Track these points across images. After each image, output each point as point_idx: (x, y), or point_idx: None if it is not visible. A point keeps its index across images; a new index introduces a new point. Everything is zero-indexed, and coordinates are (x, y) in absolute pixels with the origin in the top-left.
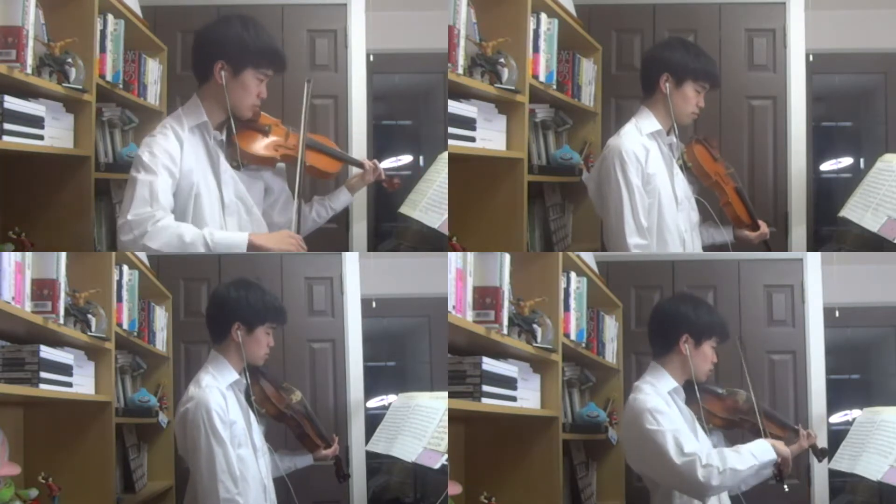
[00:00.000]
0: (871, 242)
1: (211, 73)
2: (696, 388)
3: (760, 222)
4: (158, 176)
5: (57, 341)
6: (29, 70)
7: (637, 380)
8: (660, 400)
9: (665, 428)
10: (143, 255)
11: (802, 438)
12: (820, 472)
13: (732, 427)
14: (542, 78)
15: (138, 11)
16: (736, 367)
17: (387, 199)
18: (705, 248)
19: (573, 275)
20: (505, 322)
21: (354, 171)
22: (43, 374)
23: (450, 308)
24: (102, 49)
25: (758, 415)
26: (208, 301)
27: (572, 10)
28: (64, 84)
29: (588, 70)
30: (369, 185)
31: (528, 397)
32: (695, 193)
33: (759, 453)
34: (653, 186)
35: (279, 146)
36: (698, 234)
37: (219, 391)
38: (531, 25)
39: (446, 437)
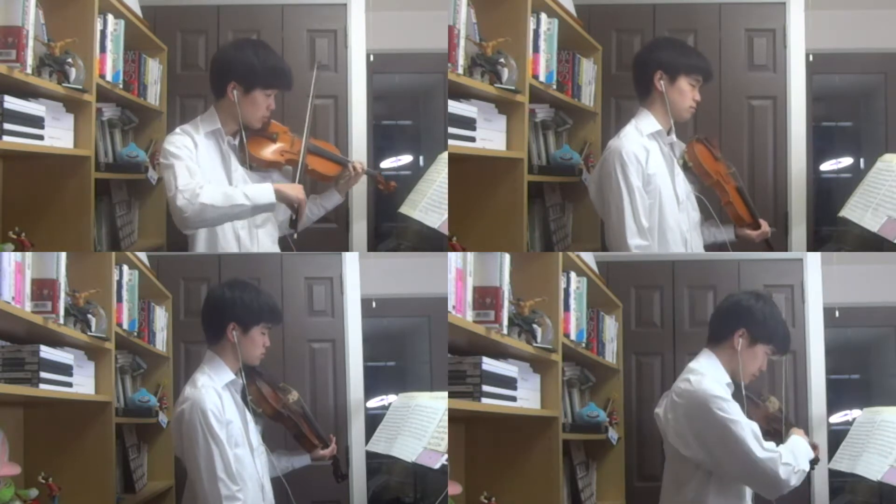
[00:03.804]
0: (871, 242)
1: (225, 92)
2: (742, 387)
3: (761, 221)
4: (186, 161)
5: (57, 341)
6: (29, 70)
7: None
8: (720, 386)
9: (741, 419)
10: (142, 255)
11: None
12: (820, 472)
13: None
14: (542, 78)
15: (138, 11)
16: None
17: (387, 199)
18: (707, 247)
19: (573, 275)
20: (505, 322)
21: None
22: (43, 374)
23: (450, 308)
24: (102, 49)
25: (784, 423)
26: (204, 301)
27: (572, 10)
28: (64, 84)
29: (588, 70)
30: (369, 185)
31: (528, 397)
32: (695, 192)
33: (807, 452)
34: (654, 187)
35: (284, 151)
36: (699, 234)
37: (214, 391)
38: (531, 25)
39: (446, 437)
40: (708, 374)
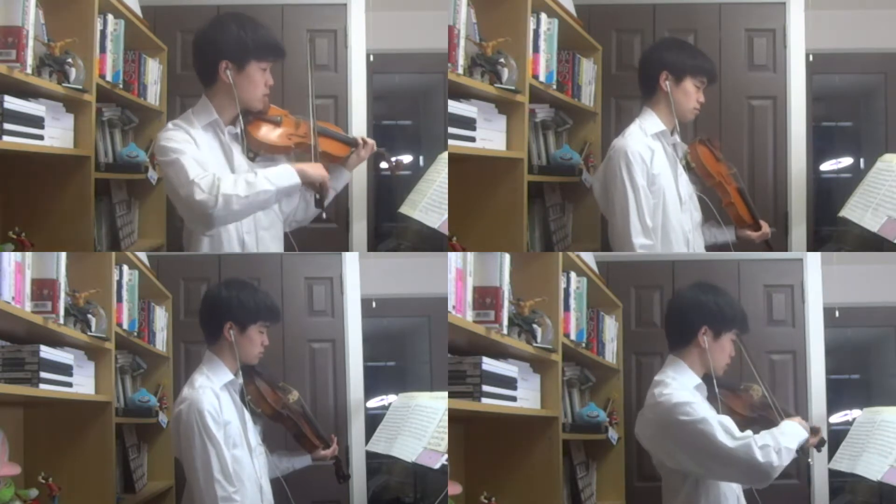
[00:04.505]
0: (871, 242)
1: (217, 75)
2: (712, 381)
3: (762, 222)
4: (191, 153)
5: (57, 341)
6: (29, 70)
7: (656, 375)
8: (687, 392)
9: (707, 416)
10: (142, 255)
11: (814, 435)
12: (820, 472)
13: (751, 425)
14: (542, 78)
15: (138, 11)
16: (737, 361)
17: (387, 199)
18: (707, 248)
19: (573, 275)
20: (505, 322)
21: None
22: (43, 374)
23: (450, 308)
24: (102, 49)
25: (774, 409)
26: (201, 302)
27: (572, 10)
28: (64, 84)
29: (588, 70)
30: (369, 185)
31: (528, 397)
32: (697, 193)
33: (797, 434)
34: (658, 186)
35: (291, 135)
36: (700, 234)
37: (212, 391)
38: (531, 25)
39: (446, 437)
40: (671, 383)
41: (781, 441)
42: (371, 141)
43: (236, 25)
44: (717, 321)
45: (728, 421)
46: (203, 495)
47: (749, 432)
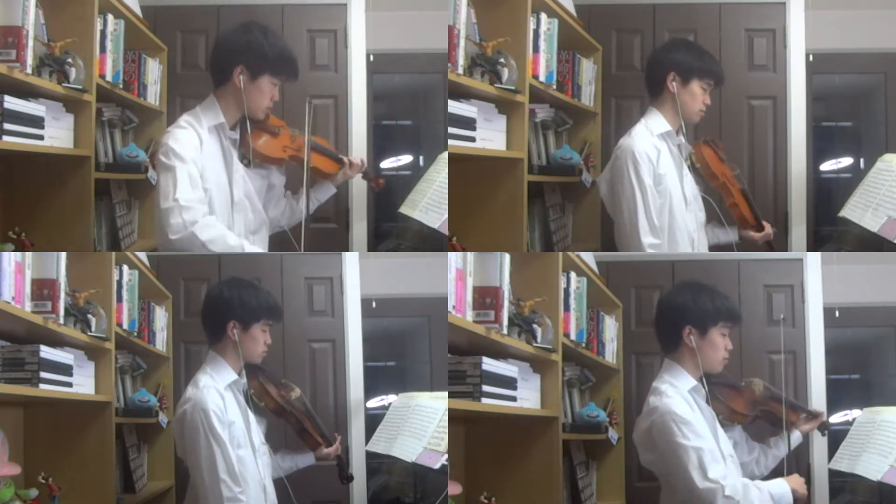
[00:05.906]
0: (871, 242)
1: (230, 77)
2: (704, 381)
3: (765, 223)
4: (190, 165)
5: (57, 341)
6: (29, 70)
7: (654, 378)
8: (683, 403)
9: (691, 444)
10: (142, 255)
11: (816, 420)
12: (820, 472)
13: (754, 421)
14: (542, 78)
15: (138, 11)
16: (737, 361)
17: (387, 199)
18: (710, 248)
19: (573, 275)
20: (505, 322)
21: None
22: (43, 374)
23: (450, 308)
24: (102, 49)
25: (781, 403)
26: (203, 302)
27: (572, 10)
28: (64, 84)
29: (588, 70)
30: (369, 185)
31: (528, 397)
32: (701, 193)
33: (777, 495)
34: (664, 186)
35: (287, 147)
36: (704, 234)
37: (216, 391)
38: (531, 25)
39: (446, 437)
40: (665, 391)
41: (751, 498)
42: (358, 161)
43: (261, 35)
44: (698, 319)
45: (708, 455)
46: (209, 495)
47: (721, 474)
